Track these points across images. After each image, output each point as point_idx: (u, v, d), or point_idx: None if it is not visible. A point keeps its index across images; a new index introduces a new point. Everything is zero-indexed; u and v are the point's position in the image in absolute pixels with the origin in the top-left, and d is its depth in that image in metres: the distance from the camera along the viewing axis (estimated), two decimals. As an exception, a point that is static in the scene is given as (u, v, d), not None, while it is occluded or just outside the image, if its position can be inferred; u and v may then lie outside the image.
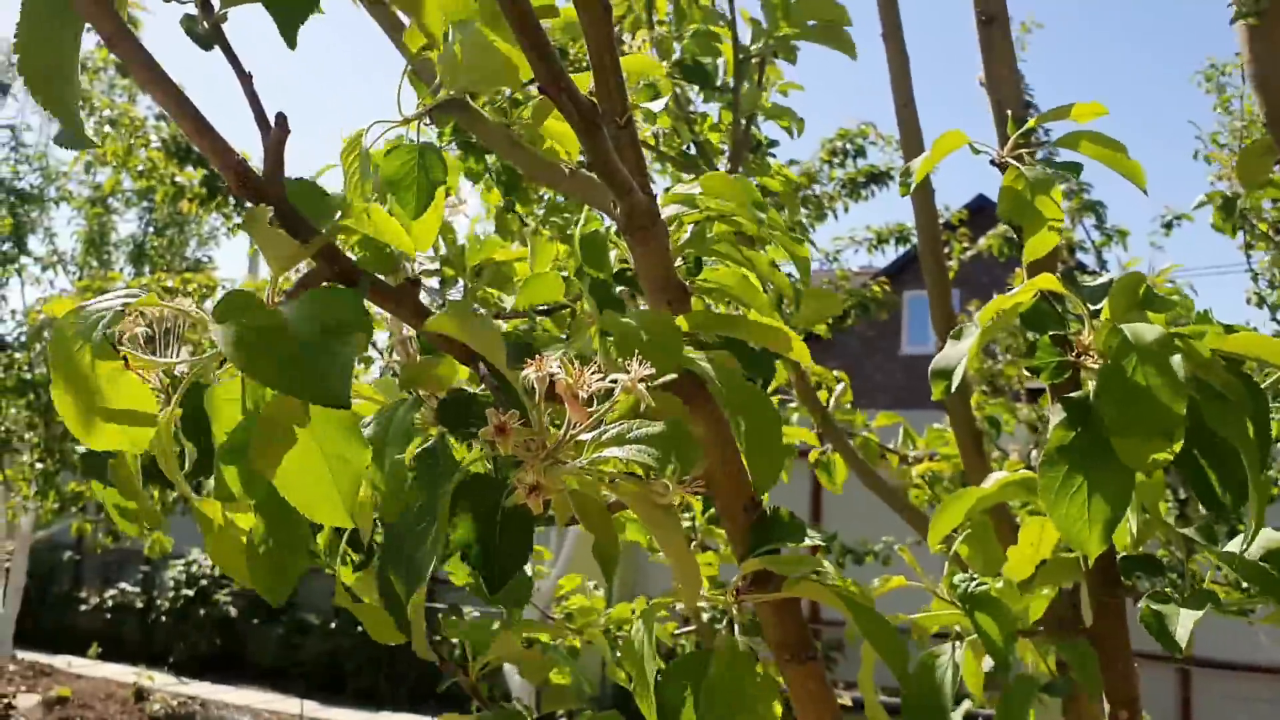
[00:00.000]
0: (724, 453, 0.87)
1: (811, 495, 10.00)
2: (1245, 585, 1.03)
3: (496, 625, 1.24)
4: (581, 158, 1.06)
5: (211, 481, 0.72)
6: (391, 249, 0.87)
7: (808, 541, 0.88)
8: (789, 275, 1.02)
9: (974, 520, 1.16)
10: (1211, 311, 0.86)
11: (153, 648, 11.31)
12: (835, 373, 2.77)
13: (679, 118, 1.98)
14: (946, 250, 4.92)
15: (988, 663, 1.15)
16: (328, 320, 0.60)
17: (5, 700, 8.51)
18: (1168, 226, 5.16)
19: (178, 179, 6.03)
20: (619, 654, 1.46)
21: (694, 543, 1.72)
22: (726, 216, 0.94)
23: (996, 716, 1.10)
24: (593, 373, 0.65)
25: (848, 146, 6.34)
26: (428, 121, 0.96)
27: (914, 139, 1.95)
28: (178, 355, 0.71)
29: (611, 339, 0.80)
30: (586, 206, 1.02)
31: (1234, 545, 0.99)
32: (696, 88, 2.01)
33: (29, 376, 8.46)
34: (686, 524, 1.73)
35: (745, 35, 1.93)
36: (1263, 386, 0.82)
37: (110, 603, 12.05)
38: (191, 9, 0.71)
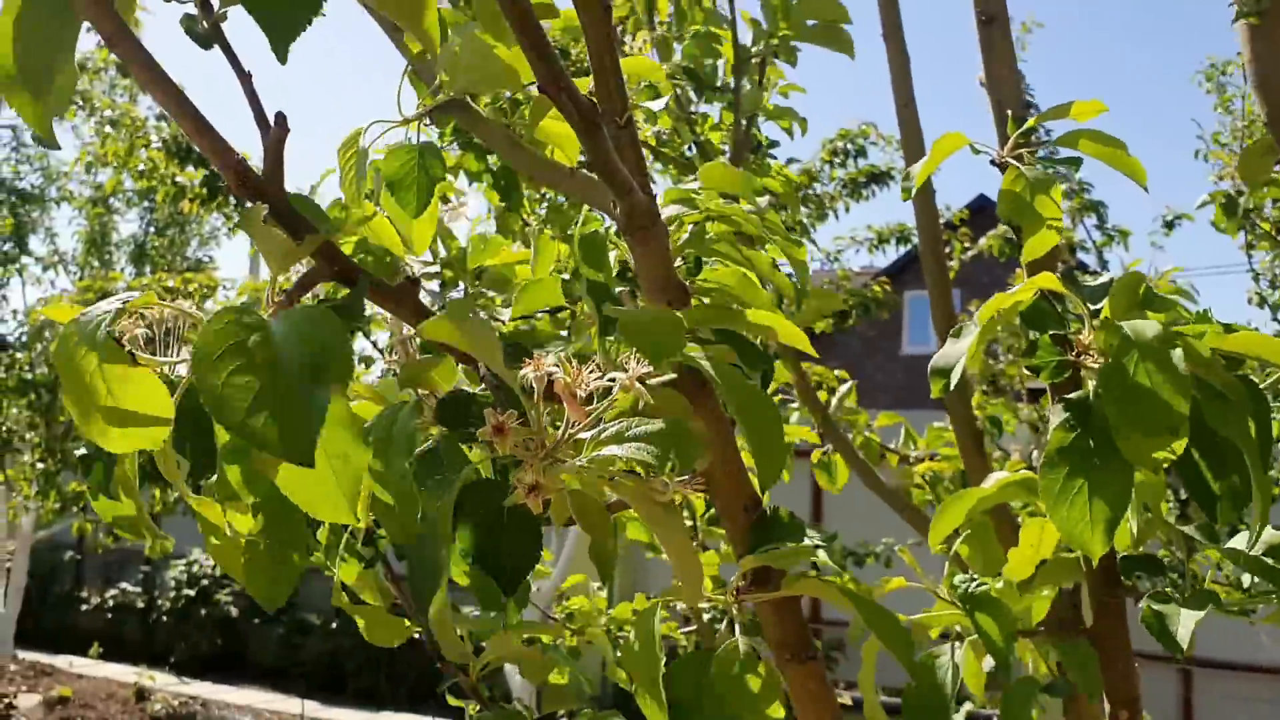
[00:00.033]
0: (724, 452, 0.87)
1: (812, 496, 10.00)
2: (1246, 585, 1.03)
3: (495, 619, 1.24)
4: (581, 158, 1.06)
5: (212, 482, 0.72)
6: (391, 255, 0.87)
7: (807, 542, 0.88)
8: (788, 275, 1.02)
9: (974, 521, 1.16)
10: (1211, 311, 0.86)
11: (154, 648, 11.32)
12: (837, 373, 2.77)
13: (680, 118, 1.98)
14: (947, 250, 4.91)
15: (988, 663, 1.15)
16: (308, 353, 0.60)
17: (6, 700, 8.52)
18: (1169, 226, 5.16)
19: (179, 179, 6.04)
20: (619, 654, 1.46)
21: (694, 543, 1.72)
22: (727, 217, 0.94)
23: (999, 718, 1.10)
24: (591, 371, 0.65)
25: (848, 146, 6.34)
26: (428, 122, 0.96)
27: (915, 139, 1.95)
28: (178, 355, 0.71)
29: (611, 338, 0.80)
30: (586, 207, 1.02)
31: (1236, 542, 0.99)
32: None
33: (30, 376, 8.47)
34: (687, 524, 1.73)
35: (746, 36, 1.93)
36: (1262, 386, 0.82)
37: (111, 602, 12.05)
38: (191, 9, 0.71)
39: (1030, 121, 1.05)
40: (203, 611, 11.31)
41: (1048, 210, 0.96)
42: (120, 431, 0.67)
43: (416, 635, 1.18)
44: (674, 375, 0.77)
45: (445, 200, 1.41)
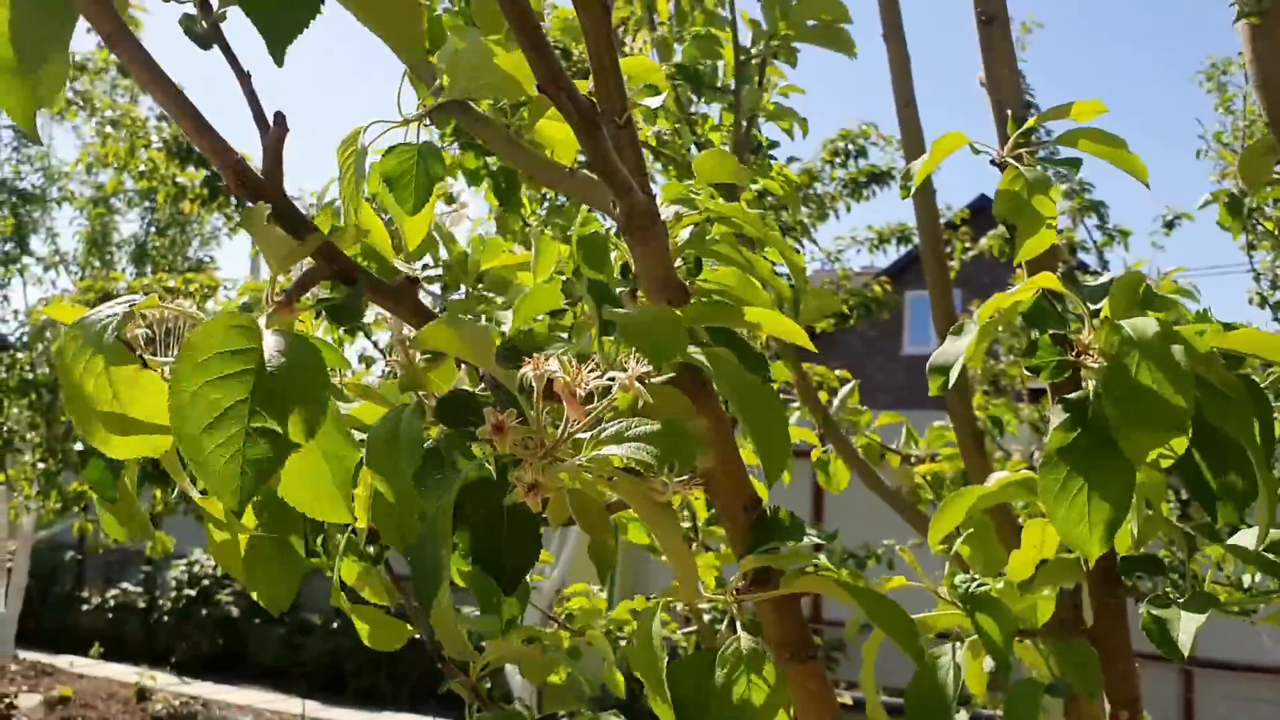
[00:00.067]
0: (724, 451, 0.87)
1: (813, 496, 10.00)
2: (1248, 585, 1.02)
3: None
4: (580, 158, 1.05)
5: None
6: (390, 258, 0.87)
7: (807, 542, 0.88)
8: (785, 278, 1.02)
9: (975, 520, 1.15)
10: (1211, 310, 0.86)
11: (155, 647, 11.32)
12: (839, 373, 2.77)
13: (680, 120, 1.98)
14: (948, 250, 4.92)
15: (989, 663, 1.15)
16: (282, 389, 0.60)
17: (7, 700, 8.52)
18: (1169, 226, 5.16)
19: (179, 179, 6.05)
20: (620, 655, 1.46)
21: (694, 543, 1.72)
22: (727, 218, 0.94)
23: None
24: (590, 371, 0.64)
25: (849, 146, 6.35)
26: (427, 122, 0.95)
27: (915, 139, 1.95)
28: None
29: (611, 338, 0.80)
30: (585, 207, 1.02)
31: (1239, 539, 0.99)
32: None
33: (31, 376, 8.47)
34: (686, 525, 1.73)
35: (746, 37, 1.93)
36: (1263, 385, 0.82)
37: (112, 602, 12.06)
38: (190, 9, 0.71)
39: (1030, 121, 1.05)
40: (204, 611, 11.32)
41: (1044, 209, 0.96)
42: (122, 440, 0.66)
43: (417, 636, 1.18)
44: (674, 374, 0.77)
45: (449, 202, 1.41)
